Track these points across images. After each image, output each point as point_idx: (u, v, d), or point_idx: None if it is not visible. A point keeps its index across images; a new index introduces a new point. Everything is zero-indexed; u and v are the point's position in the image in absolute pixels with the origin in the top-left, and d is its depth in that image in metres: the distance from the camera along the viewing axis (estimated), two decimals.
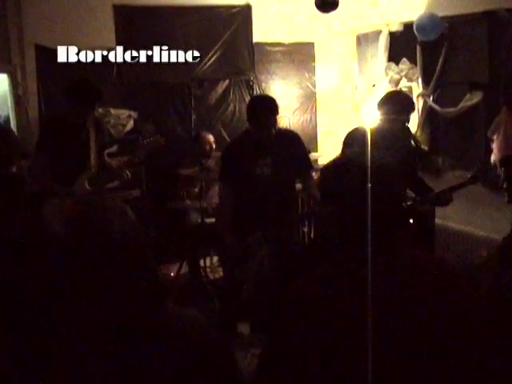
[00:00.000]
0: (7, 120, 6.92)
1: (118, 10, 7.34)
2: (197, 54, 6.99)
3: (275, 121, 4.54)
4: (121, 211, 5.41)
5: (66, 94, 5.27)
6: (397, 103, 4.94)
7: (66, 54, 6.48)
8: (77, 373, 1.69)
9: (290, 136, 4.84)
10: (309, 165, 4.95)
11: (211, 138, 6.83)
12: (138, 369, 1.68)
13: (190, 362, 1.73)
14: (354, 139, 4.94)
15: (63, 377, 1.70)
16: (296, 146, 4.79)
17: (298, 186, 5.16)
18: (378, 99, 5.10)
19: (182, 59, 7.39)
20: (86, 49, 7.05)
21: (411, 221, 4.65)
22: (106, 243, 1.79)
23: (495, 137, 6.48)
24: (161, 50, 7.02)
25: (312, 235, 6.26)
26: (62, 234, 4.38)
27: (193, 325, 1.83)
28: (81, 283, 1.74)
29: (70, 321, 1.75)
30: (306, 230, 6.29)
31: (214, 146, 6.77)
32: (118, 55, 7.21)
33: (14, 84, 6.87)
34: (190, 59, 6.77)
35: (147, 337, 1.72)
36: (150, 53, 7.21)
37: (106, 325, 1.71)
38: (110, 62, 7.25)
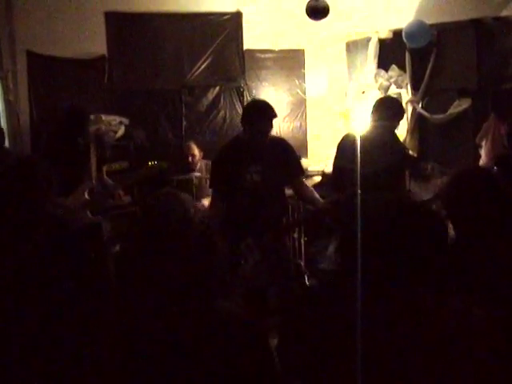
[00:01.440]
0: None
1: (110, 17, 7.37)
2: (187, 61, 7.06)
3: (271, 126, 4.51)
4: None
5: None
6: (387, 108, 4.97)
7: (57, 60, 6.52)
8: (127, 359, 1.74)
9: (280, 143, 4.79)
10: (301, 171, 4.93)
11: (194, 148, 6.74)
12: (188, 358, 1.72)
13: (235, 352, 1.77)
14: (345, 144, 4.99)
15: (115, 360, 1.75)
16: (287, 153, 4.72)
17: (289, 191, 5.15)
18: (369, 105, 5.13)
19: (172, 66, 7.49)
20: (78, 55, 7.11)
21: None
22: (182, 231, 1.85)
23: (483, 143, 6.56)
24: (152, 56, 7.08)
25: (302, 241, 6.28)
26: None
27: (237, 318, 1.88)
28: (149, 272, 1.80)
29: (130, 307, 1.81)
30: (296, 235, 6.31)
31: (197, 157, 6.69)
32: (109, 62, 7.28)
33: (5, 89, 6.88)
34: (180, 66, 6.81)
35: (201, 326, 1.76)
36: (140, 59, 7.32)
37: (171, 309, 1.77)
38: (101, 68, 7.31)
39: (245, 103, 7.70)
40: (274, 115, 4.52)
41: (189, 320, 1.76)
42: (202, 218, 1.90)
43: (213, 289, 1.86)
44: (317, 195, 4.75)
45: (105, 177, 5.65)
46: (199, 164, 6.70)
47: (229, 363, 1.74)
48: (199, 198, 6.39)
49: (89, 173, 5.20)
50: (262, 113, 4.50)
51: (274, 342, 1.96)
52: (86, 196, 5.05)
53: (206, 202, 6.41)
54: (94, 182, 5.18)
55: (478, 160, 6.64)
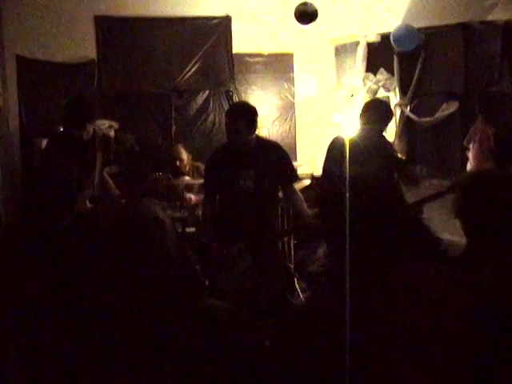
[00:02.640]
0: None
1: (99, 22, 7.38)
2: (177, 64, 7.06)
3: (247, 126, 4.43)
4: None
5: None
6: (376, 111, 5.00)
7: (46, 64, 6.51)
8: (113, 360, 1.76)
9: (274, 148, 4.74)
10: (293, 177, 4.85)
11: (182, 152, 6.76)
12: (173, 355, 1.74)
13: (223, 347, 1.79)
14: (333, 147, 5.02)
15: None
16: (280, 158, 4.68)
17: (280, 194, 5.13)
18: (358, 108, 5.17)
19: (162, 70, 7.50)
20: (67, 59, 7.11)
21: None
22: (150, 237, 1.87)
23: (471, 145, 6.61)
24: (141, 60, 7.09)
25: (292, 244, 6.31)
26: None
27: (226, 314, 1.90)
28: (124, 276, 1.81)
29: (112, 312, 1.82)
30: (285, 238, 6.33)
31: (185, 161, 6.69)
32: (99, 66, 7.29)
33: None
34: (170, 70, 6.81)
35: (186, 325, 1.78)
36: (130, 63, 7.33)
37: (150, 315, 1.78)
38: (90, 72, 7.32)
39: None
40: (246, 114, 4.48)
41: (178, 319, 1.78)
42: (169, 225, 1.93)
43: (192, 289, 1.89)
44: (305, 205, 4.73)
45: (106, 176, 5.50)
46: (187, 167, 6.71)
47: (219, 359, 1.76)
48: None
49: (92, 179, 5.11)
50: (233, 112, 4.56)
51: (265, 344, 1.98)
52: (88, 204, 4.99)
53: (192, 196, 6.45)
54: (95, 189, 5.10)
55: (466, 162, 6.70)
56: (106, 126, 7.16)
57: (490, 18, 6.89)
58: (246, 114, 4.48)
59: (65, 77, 7.22)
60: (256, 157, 4.54)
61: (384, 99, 7.17)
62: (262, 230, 4.61)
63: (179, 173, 6.57)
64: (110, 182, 5.52)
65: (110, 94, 7.48)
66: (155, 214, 1.94)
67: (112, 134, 7.18)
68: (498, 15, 6.80)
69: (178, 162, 6.66)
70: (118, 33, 7.51)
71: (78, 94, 6.39)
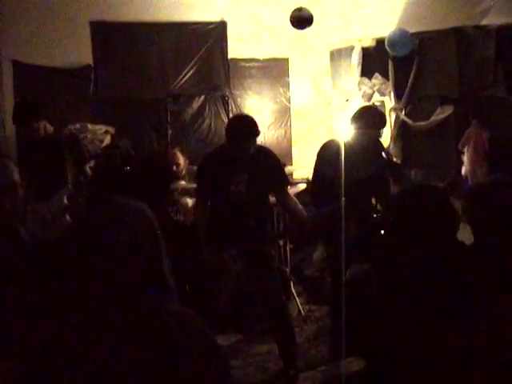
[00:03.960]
0: None
1: (95, 27, 7.40)
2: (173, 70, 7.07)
3: (254, 142, 4.53)
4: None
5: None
6: (369, 118, 5.02)
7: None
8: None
9: (266, 153, 4.80)
10: (285, 181, 4.92)
11: (179, 157, 6.73)
12: (132, 361, 1.74)
13: (183, 357, 1.79)
14: (326, 152, 5.03)
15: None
16: (272, 163, 4.76)
17: (273, 199, 5.16)
18: (352, 114, 5.20)
19: (158, 75, 7.51)
20: (63, 65, 7.13)
21: (382, 232, 4.70)
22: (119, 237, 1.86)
23: (466, 149, 6.64)
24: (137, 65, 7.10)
25: (288, 248, 6.32)
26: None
27: (192, 323, 1.90)
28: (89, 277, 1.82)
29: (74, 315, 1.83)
30: (281, 243, 6.35)
31: (182, 165, 6.69)
32: (95, 71, 7.31)
33: None
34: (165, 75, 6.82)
35: (149, 332, 1.79)
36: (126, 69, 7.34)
37: (111, 317, 1.78)
38: (87, 77, 7.33)
39: (230, 112, 7.76)
40: (257, 133, 4.55)
41: (143, 321, 1.79)
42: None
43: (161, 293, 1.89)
44: (300, 206, 4.79)
45: (89, 173, 5.56)
46: (184, 172, 6.71)
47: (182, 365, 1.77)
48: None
49: (65, 177, 5.17)
50: (245, 132, 4.52)
51: (263, 347, 1.97)
52: (65, 201, 5.02)
53: (189, 199, 6.45)
54: (70, 186, 5.14)
55: (461, 166, 6.73)
56: (102, 131, 7.17)
57: (483, 22, 6.93)
58: (256, 132, 4.55)
59: (61, 82, 7.23)
60: (248, 162, 4.58)
61: (378, 104, 7.22)
62: (254, 235, 4.64)
63: (175, 178, 6.57)
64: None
65: (106, 99, 7.48)
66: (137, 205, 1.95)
67: (108, 139, 7.20)
68: (491, 20, 6.84)
69: (174, 167, 6.67)
70: (114, 38, 7.52)
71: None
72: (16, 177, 3.53)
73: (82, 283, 1.80)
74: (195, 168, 6.59)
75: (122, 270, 1.79)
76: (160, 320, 1.80)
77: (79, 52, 7.35)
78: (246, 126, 4.56)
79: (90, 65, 7.39)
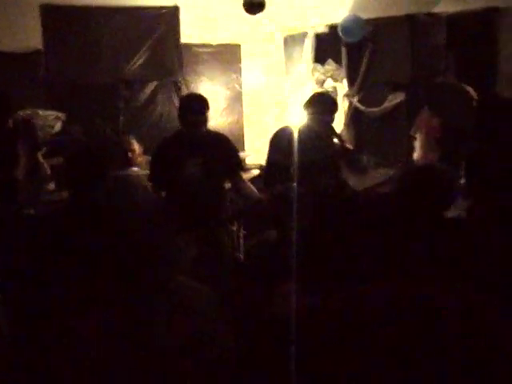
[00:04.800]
0: None
1: (45, 10, 7.21)
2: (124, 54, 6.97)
3: (203, 119, 4.57)
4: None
5: None
6: (321, 104, 5.05)
7: None
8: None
9: (221, 138, 4.89)
10: (239, 165, 5.01)
11: (134, 143, 6.65)
12: (145, 337, 1.75)
13: (193, 330, 1.81)
14: (279, 139, 5.05)
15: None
16: (227, 148, 4.84)
17: (228, 185, 5.19)
18: (304, 100, 5.21)
19: (109, 60, 7.40)
20: (12, 49, 6.97)
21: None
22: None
23: (417, 135, 6.71)
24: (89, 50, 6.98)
25: (241, 234, 6.32)
26: None
27: (200, 296, 1.93)
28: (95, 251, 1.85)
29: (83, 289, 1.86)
30: (235, 228, 6.34)
31: (137, 152, 6.62)
32: (46, 55, 7.16)
33: None
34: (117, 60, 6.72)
35: (157, 305, 1.79)
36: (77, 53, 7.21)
37: (118, 293, 1.80)
38: (36, 62, 7.18)
39: None
40: (204, 108, 4.59)
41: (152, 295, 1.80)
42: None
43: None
44: (255, 190, 4.84)
45: (41, 161, 5.35)
46: (139, 159, 6.65)
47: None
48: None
49: (17, 162, 5.01)
50: (191, 107, 4.59)
51: None
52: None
53: None
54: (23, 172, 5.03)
55: (412, 152, 6.80)
56: (52, 117, 7.05)
57: (436, 10, 6.98)
58: (208, 107, 4.61)
59: (10, 67, 7.06)
60: (203, 146, 4.62)
61: (331, 91, 7.24)
62: (208, 219, 4.66)
63: (129, 165, 6.50)
64: (42, 162, 5.39)
65: (56, 84, 7.32)
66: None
67: (59, 125, 7.08)
68: (442, 8, 6.90)
69: (130, 153, 6.59)
70: (64, 22, 7.34)
71: None
72: None
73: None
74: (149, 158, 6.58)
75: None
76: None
77: (29, 36, 7.16)
78: (194, 100, 4.68)
79: (39, 49, 7.21)
